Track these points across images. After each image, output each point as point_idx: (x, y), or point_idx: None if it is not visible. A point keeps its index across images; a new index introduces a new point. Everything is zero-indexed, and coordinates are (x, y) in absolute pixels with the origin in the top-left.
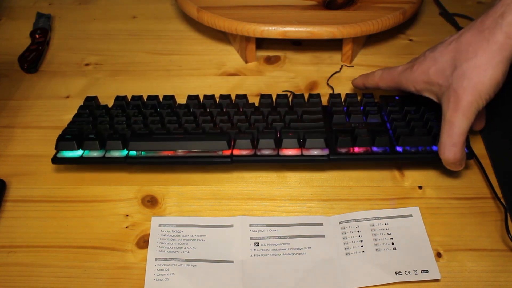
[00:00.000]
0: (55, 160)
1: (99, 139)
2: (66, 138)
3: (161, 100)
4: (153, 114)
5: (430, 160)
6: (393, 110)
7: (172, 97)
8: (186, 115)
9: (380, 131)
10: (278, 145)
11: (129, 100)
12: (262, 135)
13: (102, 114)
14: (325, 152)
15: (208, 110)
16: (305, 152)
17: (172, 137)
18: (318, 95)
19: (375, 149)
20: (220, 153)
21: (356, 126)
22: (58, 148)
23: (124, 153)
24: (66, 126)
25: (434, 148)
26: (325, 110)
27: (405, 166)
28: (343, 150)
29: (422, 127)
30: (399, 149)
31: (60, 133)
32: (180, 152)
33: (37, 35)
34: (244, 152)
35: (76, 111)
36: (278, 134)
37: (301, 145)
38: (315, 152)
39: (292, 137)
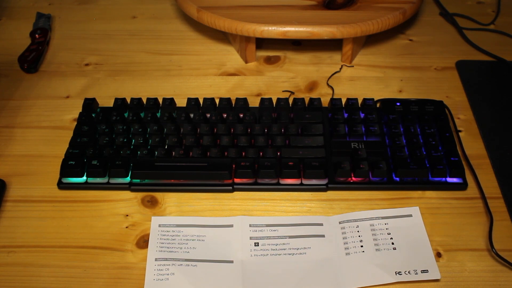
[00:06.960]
0: (61, 185)
1: (102, 166)
2: (70, 165)
3: (160, 102)
4: (155, 131)
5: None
6: (393, 123)
7: (171, 100)
8: (188, 133)
9: (379, 154)
10: (278, 173)
11: (128, 103)
12: (263, 166)
13: (103, 131)
14: (324, 181)
15: (208, 120)
16: (305, 182)
17: (175, 165)
18: (319, 100)
19: (373, 178)
20: (222, 180)
21: (355, 148)
22: (63, 175)
23: (127, 179)
24: (68, 145)
25: (431, 178)
26: (326, 115)
27: None
28: (341, 179)
29: (422, 150)
30: (396, 179)
31: (63, 157)
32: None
33: (37, 35)
34: (245, 180)
35: (75, 111)
36: (278, 153)
37: (301, 172)
38: (314, 181)
39: (292, 168)
